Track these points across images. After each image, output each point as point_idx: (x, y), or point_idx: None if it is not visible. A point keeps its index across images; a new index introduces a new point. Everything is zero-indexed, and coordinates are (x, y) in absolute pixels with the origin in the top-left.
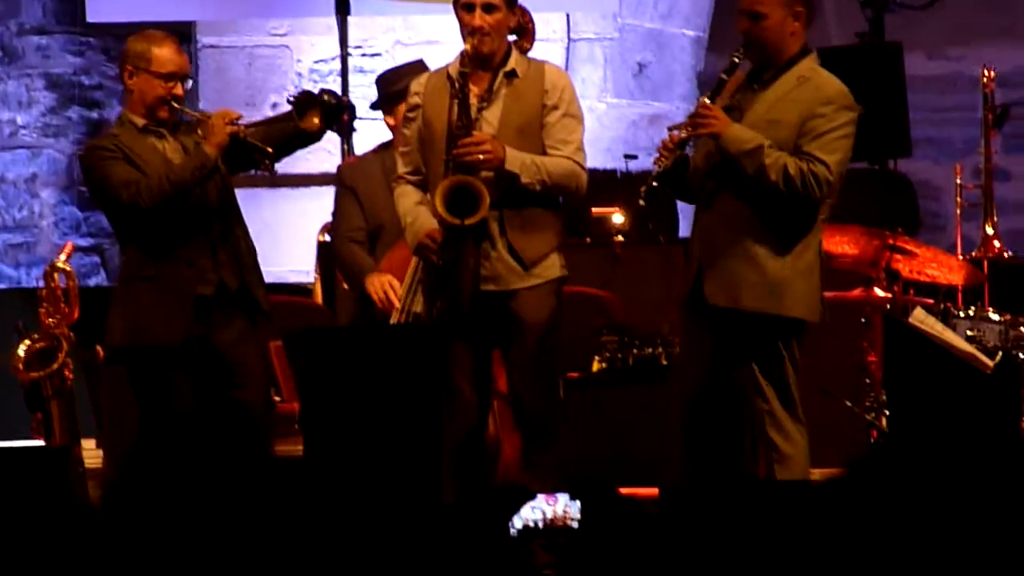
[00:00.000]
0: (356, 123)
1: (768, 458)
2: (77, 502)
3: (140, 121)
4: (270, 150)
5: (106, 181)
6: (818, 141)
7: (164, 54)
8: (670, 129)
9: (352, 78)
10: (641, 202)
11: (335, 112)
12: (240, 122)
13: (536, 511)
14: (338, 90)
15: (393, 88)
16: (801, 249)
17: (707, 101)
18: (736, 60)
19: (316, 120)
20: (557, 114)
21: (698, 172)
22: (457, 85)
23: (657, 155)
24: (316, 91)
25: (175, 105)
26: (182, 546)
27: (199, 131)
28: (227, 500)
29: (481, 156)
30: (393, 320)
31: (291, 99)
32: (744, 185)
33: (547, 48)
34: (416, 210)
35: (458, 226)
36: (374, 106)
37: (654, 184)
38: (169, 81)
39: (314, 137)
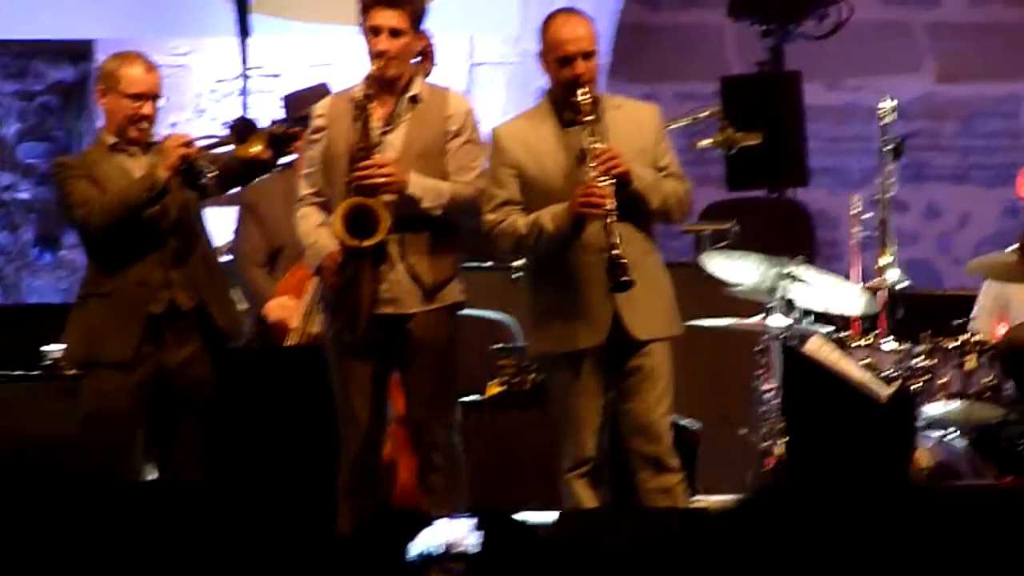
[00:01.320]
0: None
1: (665, 479)
2: None
3: (110, 140)
4: (213, 176)
5: (66, 198)
6: (672, 159)
7: (133, 74)
8: (592, 180)
9: (252, 97)
10: (626, 278)
11: (281, 140)
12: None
13: (434, 536)
14: (238, 110)
15: (300, 114)
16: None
17: (600, 144)
18: (586, 100)
19: (258, 147)
20: (459, 140)
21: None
22: (360, 108)
23: (594, 208)
24: (257, 121)
25: (143, 124)
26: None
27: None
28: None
29: (382, 179)
30: (290, 342)
31: (228, 124)
32: (634, 218)
33: (448, 72)
34: (317, 232)
35: (356, 248)
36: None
37: (615, 246)
38: (137, 101)
39: (266, 166)
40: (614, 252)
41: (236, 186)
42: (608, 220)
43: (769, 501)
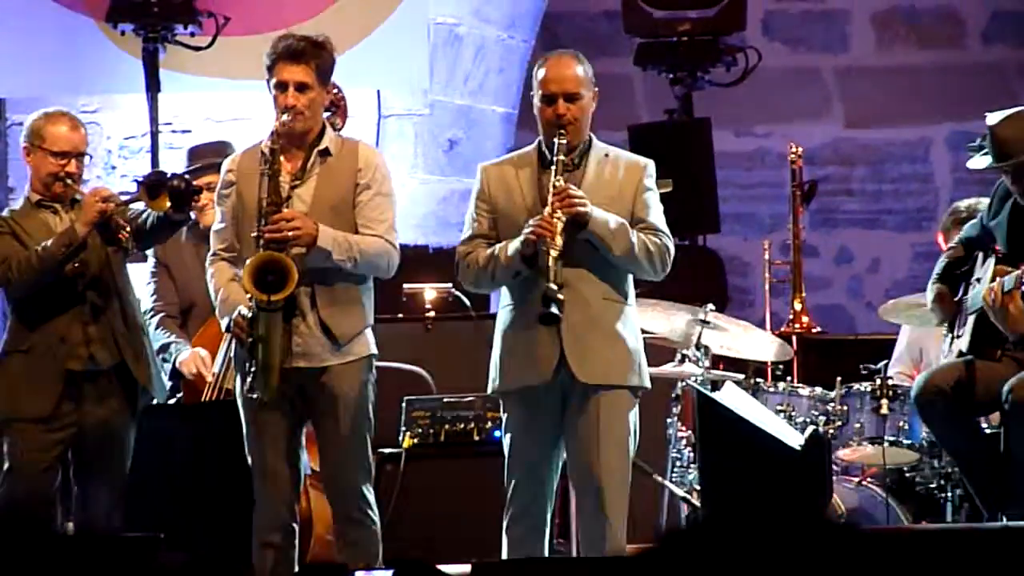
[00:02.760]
0: None
1: (600, 533)
2: None
3: (35, 197)
4: (127, 232)
5: None
6: (653, 214)
7: (58, 132)
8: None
9: (162, 154)
10: (551, 289)
11: (183, 196)
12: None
13: None
14: (147, 166)
15: (196, 164)
16: (636, 321)
17: (563, 182)
18: (562, 141)
19: (168, 203)
20: (370, 193)
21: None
22: (268, 163)
23: (539, 237)
24: (168, 174)
25: (68, 182)
26: None
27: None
28: None
29: (291, 233)
30: (205, 397)
31: (139, 180)
32: (597, 264)
33: (358, 124)
34: (228, 286)
35: (266, 303)
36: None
37: (553, 286)
38: (62, 159)
39: (180, 222)
40: (549, 284)
41: (154, 242)
42: (551, 253)
43: (680, 546)
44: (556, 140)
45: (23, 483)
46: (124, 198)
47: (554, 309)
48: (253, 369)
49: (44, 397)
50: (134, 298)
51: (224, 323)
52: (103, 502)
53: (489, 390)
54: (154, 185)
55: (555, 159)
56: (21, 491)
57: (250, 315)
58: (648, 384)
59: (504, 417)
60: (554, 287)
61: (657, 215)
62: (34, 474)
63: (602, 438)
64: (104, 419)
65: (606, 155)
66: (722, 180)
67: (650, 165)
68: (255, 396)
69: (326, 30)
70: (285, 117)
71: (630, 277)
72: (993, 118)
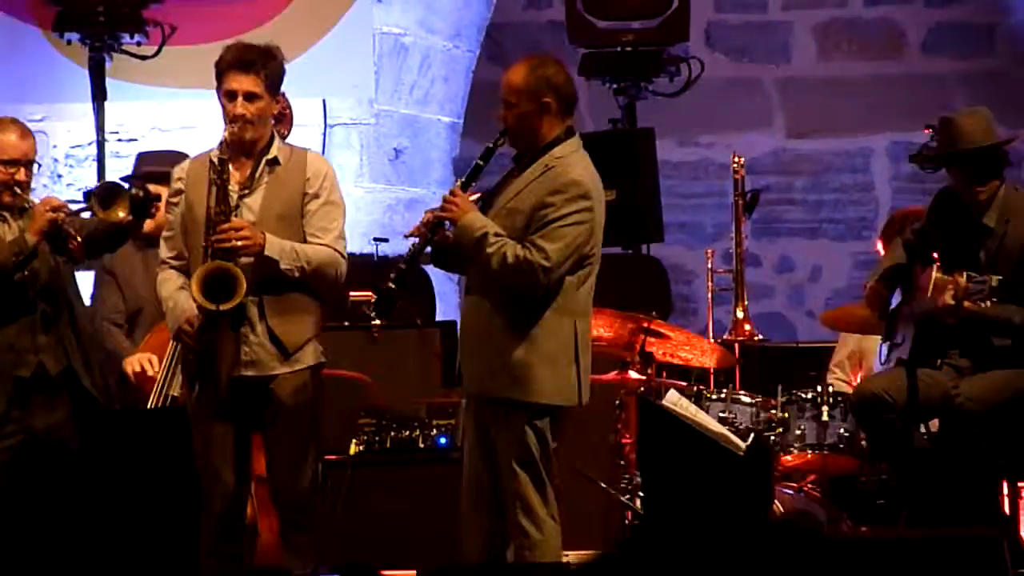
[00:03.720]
0: None
1: (519, 543)
2: None
3: None
4: (76, 242)
5: None
6: (543, 230)
7: (7, 140)
8: (427, 212)
9: (109, 162)
10: (390, 284)
11: (143, 204)
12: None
13: None
14: (93, 176)
15: (147, 170)
16: (544, 335)
17: (457, 187)
18: (491, 146)
19: (121, 213)
20: (318, 202)
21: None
22: (217, 172)
23: (413, 235)
24: (125, 185)
25: (17, 190)
26: None
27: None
28: None
29: (239, 242)
30: (150, 404)
31: (89, 190)
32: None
33: (304, 133)
34: (177, 295)
35: (214, 312)
36: (126, 178)
37: (402, 266)
38: (11, 167)
39: (129, 231)
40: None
41: (103, 252)
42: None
43: (626, 555)
44: (492, 143)
45: None
46: (74, 208)
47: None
48: (200, 377)
49: None
50: (83, 306)
51: (172, 331)
52: (52, 507)
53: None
54: (107, 195)
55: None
56: None
57: (198, 324)
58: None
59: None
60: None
61: (549, 227)
62: None
63: (502, 450)
64: (52, 426)
65: (558, 158)
66: (665, 189)
67: (575, 181)
68: (203, 404)
69: (272, 40)
70: (233, 126)
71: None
72: (950, 113)
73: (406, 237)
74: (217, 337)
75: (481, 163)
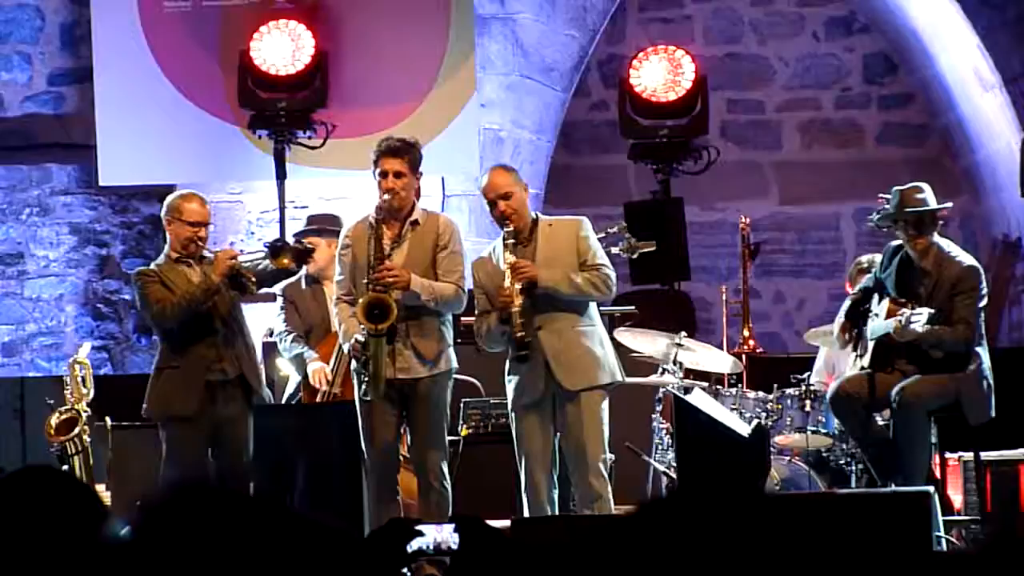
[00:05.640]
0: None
1: (592, 500)
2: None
3: (175, 255)
4: (253, 281)
5: (144, 299)
6: (592, 255)
7: (191, 208)
8: (505, 286)
9: (288, 224)
10: (523, 353)
11: (304, 254)
12: (244, 256)
13: (427, 536)
14: (277, 233)
15: (312, 228)
16: (601, 335)
17: (513, 259)
18: (508, 229)
19: (287, 260)
20: (446, 252)
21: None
22: (374, 229)
23: (503, 300)
24: (289, 241)
25: (199, 244)
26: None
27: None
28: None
29: (392, 279)
30: (319, 398)
31: (267, 245)
32: (559, 305)
33: (428, 202)
34: (348, 321)
35: (374, 331)
36: (297, 234)
37: (520, 334)
38: (195, 227)
39: (289, 273)
40: (516, 335)
41: (268, 287)
42: (514, 310)
43: (664, 506)
44: (504, 230)
45: (180, 468)
46: (249, 255)
47: (523, 351)
48: (366, 379)
49: (191, 401)
50: (248, 327)
51: (345, 347)
52: (233, 475)
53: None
54: (277, 248)
55: (505, 243)
56: (178, 471)
57: (363, 340)
58: (620, 378)
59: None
60: (520, 334)
61: (597, 254)
62: (188, 459)
63: (588, 427)
64: (232, 415)
65: (549, 225)
66: (692, 241)
67: (584, 220)
68: (368, 399)
69: (405, 134)
70: (387, 196)
71: (592, 306)
72: (900, 186)
73: (503, 306)
74: (377, 349)
75: (511, 242)
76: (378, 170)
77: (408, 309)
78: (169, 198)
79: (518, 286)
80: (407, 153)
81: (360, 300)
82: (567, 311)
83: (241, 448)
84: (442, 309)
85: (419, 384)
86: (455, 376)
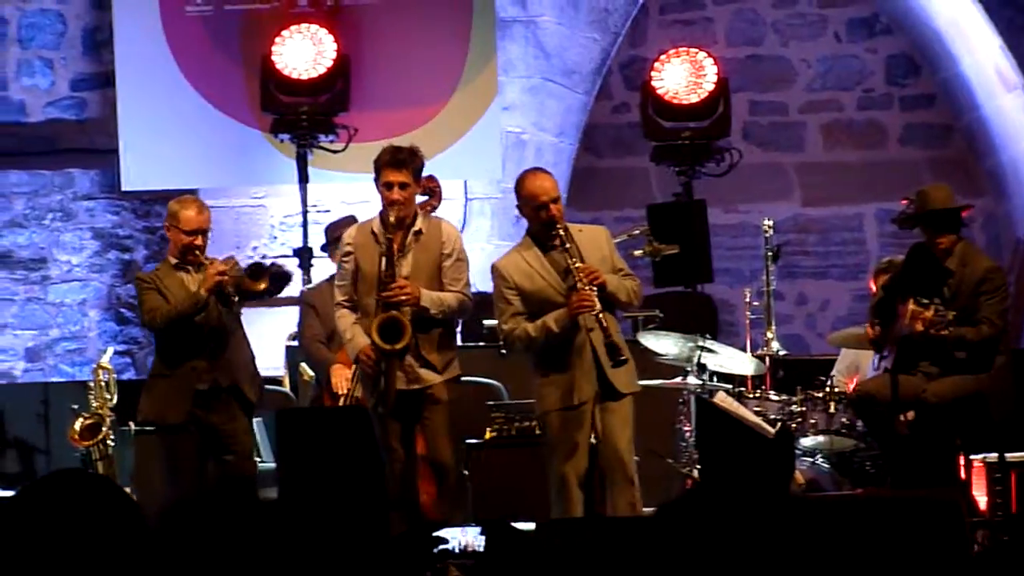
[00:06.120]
0: (313, 260)
1: (622, 499)
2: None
3: (173, 261)
4: (235, 298)
5: (140, 306)
6: (623, 264)
7: (189, 215)
8: (580, 289)
9: (310, 228)
10: (623, 357)
11: (282, 279)
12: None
13: (452, 539)
14: (300, 237)
15: (333, 237)
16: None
17: (582, 264)
18: (562, 232)
19: (263, 284)
20: (451, 260)
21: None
22: (382, 242)
23: (588, 309)
24: (269, 264)
25: (196, 251)
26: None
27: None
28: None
29: (404, 297)
30: (341, 402)
31: (248, 266)
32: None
33: (450, 205)
34: (353, 328)
35: (389, 350)
36: (323, 248)
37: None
38: (191, 236)
39: (263, 295)
40: (610, 340)
41: (253, 301)
42: (599, 316)
43: (686, 507)
44: (558, 233)
45: (174, 476)
46: (238, 275)
47: (623, 356)
48: (378, 392)
49: (180, 409)
50: (244, 337)
51: (352, 357)
52: (237, 482)
53: (540, 409)
54: (256, 271)
55: (562, 247)
56: (172, 482)
57: (376, 355)
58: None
59: (547, 426)
60: (614, 340)
61: (624, 263)
62: (181, 469)
63: (629, 430)
64: (226, 423)
65: (580, 230)
66: (715, 244)
67: (606, 229)
68: (380, 410)
69: (428, 137)
70: (392, 208)
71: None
72: (924, 186)
73: (579, 310)
74: (389, 366)
75: (570, 245)
76: (382, 181)
77: (416, 322)
78: (169, 204)
79: (594, 289)
80: (411, 164)
81: (373, 320)
82: (612, 316)
83: (243, 455)
84: (449, 318)
85: (430, 390)
86: (480, 380)
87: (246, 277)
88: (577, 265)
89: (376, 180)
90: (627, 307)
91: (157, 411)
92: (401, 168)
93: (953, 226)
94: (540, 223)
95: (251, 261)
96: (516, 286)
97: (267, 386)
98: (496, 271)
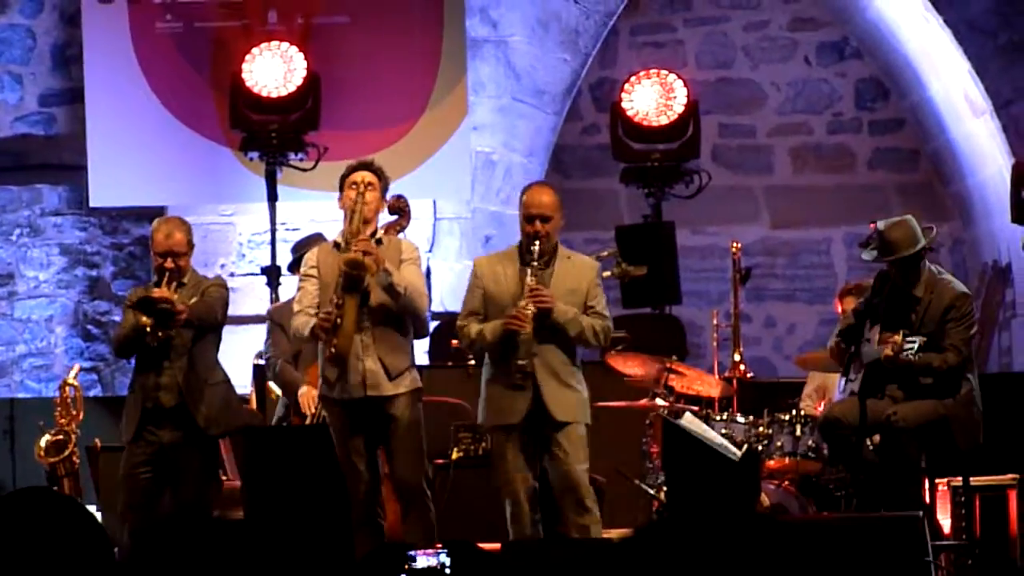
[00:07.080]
0: (281, 278)
1: (572, 524)
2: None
3: (155, 278)
4: (168, 328)
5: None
6: (599, 303)
7: (158, 238)
8: (520, 307)
9: (278, 246)
10: (519, 384)
11: (166, 317)
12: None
13: (419, 561)
14: (268, 255)
15: (300, 255)
16: (581, 377)
17: (534, 281)
18: (535, 249)
19: (145, 319)
20: (407, 263)
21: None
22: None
23: (515, 323)
24: (157, 299)
25: (169, 272)
26: None
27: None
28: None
29: (370, 250)
30: (308, 421)
31: (136, 300)
32: (562, 340)
33: (418, 225)
34: (299, 317)
35: (349, 278)
36: (289, 267)
37: (521, 362)
38: (161, 258)
39: (161, 327)
40: (519, 362)
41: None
42: (522, 336)
43: (655, 532)
44: (532, 248)
45: (126, 492)
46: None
47: (519, 383)
48: (335, 403)
49: (129, 426)
50: (205, 360)
51: (306, 331)
52: (183, 497)
53: (483, 425)
54: (143, 306)
55: (531, 263)
56: (127, 496)
57: (337, 302)
58: (589, 420)
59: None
60: (522, 363)
61: (602, 303)
62: (135, 484)
63: (574, 455)
64: (174, 441)
65: (568, 257)
66: (683, 266)
67: (599, 266)
68: (340, 423)
69: (398, 156)
70: (356, 196)
71: (578, 349)
72: (882, 224)
73: (511, 326)
74: (350, 307)
75: (536, 264)
76: (349, 181)
77: (376, 322)
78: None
79: (532, 310)
80: (379, 171)
81: (342, 257)
82: (563, 349)
83: (190, 476)
84: (409, 306)
85: (391, 405)
86: (447, 400)
87: (138, 311)
88: (529, 283)
89: (340, 191)
90: (589, 346)
91: (121, 427)
92: (368, 169)
93: (917, 263)
94: (524, 234)
95: (138, 299)
96: (483, 285)
97: None
98: (473, 265)
